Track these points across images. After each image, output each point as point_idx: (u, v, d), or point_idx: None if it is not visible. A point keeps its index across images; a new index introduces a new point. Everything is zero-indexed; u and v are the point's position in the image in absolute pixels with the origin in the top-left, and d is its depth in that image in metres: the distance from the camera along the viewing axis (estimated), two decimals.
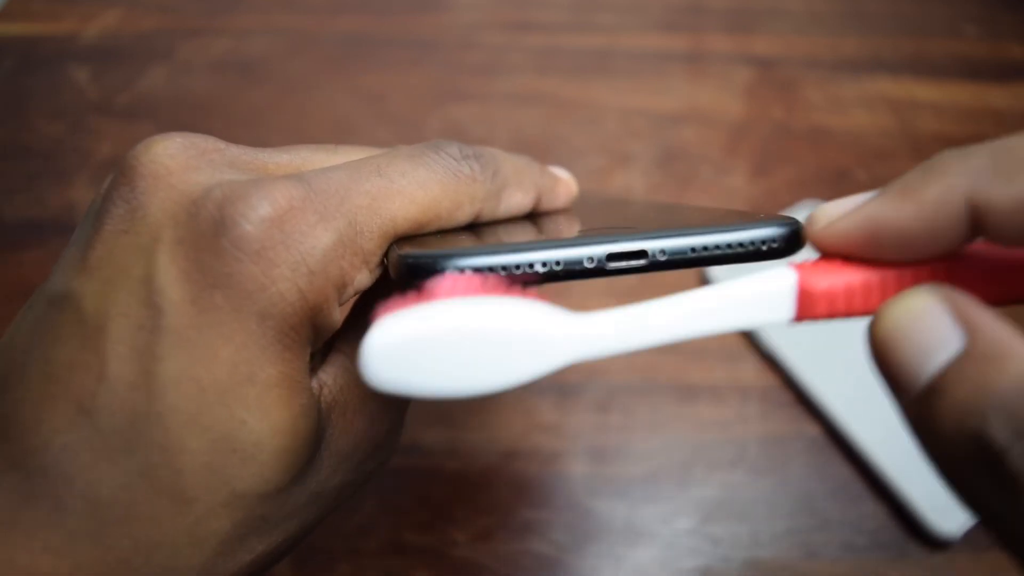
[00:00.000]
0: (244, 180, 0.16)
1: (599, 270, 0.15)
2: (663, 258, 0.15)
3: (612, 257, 0.15)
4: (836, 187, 0.42)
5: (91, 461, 0.15)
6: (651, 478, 0.33)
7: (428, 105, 0.46)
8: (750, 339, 0.37)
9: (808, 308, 0.15)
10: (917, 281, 0.15)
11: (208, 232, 0.15)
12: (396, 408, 0.20)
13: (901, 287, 0.15)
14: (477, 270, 0.15)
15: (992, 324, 0.13)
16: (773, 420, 0.35)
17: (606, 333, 0.14)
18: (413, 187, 0.17)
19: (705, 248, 0.15)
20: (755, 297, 0.15)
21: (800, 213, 0.40)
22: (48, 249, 0.40)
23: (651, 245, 0.15)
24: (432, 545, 0.32)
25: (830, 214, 0.15)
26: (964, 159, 0.13)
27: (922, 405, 0.13)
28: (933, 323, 0.14)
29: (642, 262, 0.15)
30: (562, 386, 0.36)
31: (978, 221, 0.13)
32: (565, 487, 0.33)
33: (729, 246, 0.16)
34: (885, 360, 0.14)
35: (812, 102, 0.46)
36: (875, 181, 0.42)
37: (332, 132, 0.45)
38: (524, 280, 0.15)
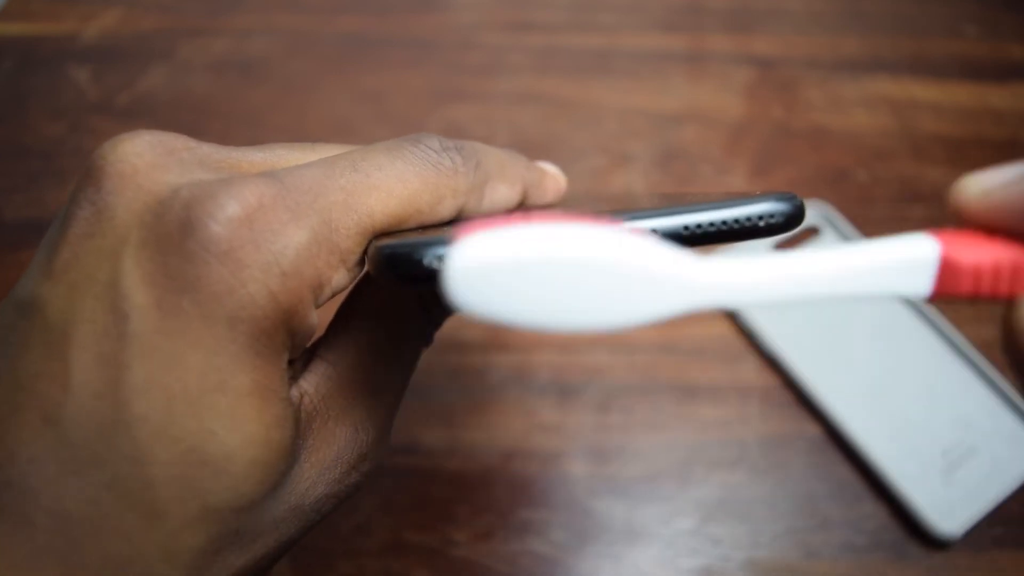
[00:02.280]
0: (213, 179, 0.15)
1: None
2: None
3: None
4: (836, 187, 0.42)
5: (57, 474, 0.14)
6: (651, 478, 0.33)
7: (428, 105, 0.46)
8: (750, 339, 0.37)
9: (950, 283, 0.14)
10: None
11: (175, 233, 0.14)
12: (383, 416, 0.19)
13: None
14: None
15: None
16: (773, 420, 0.35)
17: (731, 282, 0.13)
18: (391, 181, 0.16)
19: (699, 226, 0.14)
20: (893, 263, 0.14)
21: None
22: None
23: (642, 223, 0.14)
24: (432, 545, 0.32)
25: (986, 183, 0.14)
26: None
27: None
28: None
29: None
30: (562, 386, 0.36)
31: None
32: (565, 487, 0.33)
33: (724, 223, 0.14)
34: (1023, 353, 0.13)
35: (812, 102, 0.46)
36: (875, 181, 0.43)
37: (332, 132, 0.45)
38: None
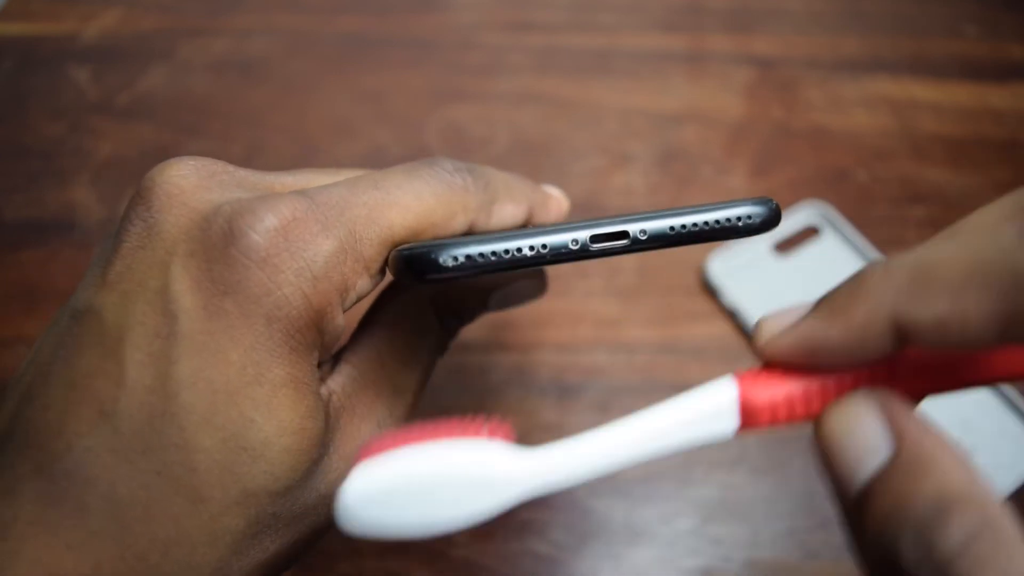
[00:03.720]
0: (252, 197, 0.17)
1: (584, 251, 0.16)
2: (643, 237, 0.16)
3: (595, 239, 0.16)
4: (836, 187, 0.42)
5: (112, 462, 0.16)
6: (651, 478, 0.33)
7: (428, 105, 0.46)
8: (750, 339, 0.37)
9: (751, 419, 0.15)
10: (857, 384, 0.15)
11: (218, 243, 0.16)
12: (403, 414, 0.21)
13: (840, 392, 0.15)
14: (469, 257, 0.16)
15: (919, 432, 0.14)
16: None
17: (555, 469, 0.15)
18: (408, 197, 0.18)
19: (683, 227, 0.16)
20: (698, 416, 0.15)
21: (800, 213, 0.40)
22: (48, 249, 0.40)
23: (632, 227, 0.16)
24: (432, 545, 0.32)
25: (770, 329, 0.16)
26: (887, 277, 0.14)
27: (854, 512, 0.14)
28: (865, 430, 0.14)
29: (624, 243, 0.16)
30: (562, 386, 0.36)
31: (904, 335, 0.14)
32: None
33: (707, 223, 0.16)
34: (826, 465, 0.15)
35: (812, 102, 0.46)
36: (875, 181, 0.43)
37: (332, 132, 0.45)
38: (514, 265, 0.16)
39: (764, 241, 0.39)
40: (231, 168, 0.18)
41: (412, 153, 0.44)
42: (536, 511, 0.32)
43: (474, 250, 0.16)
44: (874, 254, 0.39)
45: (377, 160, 0.43)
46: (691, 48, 0.49)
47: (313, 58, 0.48)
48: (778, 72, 0.48)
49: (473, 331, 0.37)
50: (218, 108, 0.45)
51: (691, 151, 0.44)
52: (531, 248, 0.16)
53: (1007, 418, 0.34)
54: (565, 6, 0.51)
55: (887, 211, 0.41)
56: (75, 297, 0.18)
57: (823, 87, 0.47)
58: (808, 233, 0.40)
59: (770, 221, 0.16)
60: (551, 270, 0.28)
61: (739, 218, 0.16)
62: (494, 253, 0.16)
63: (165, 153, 0.43)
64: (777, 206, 0.16)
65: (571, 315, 0.38)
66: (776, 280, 0.38)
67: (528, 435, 0.34)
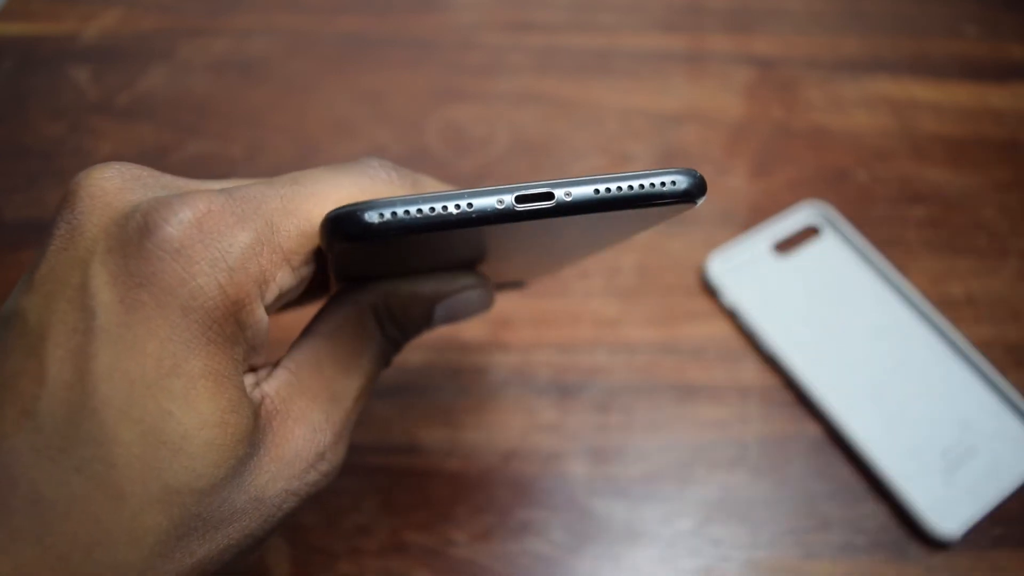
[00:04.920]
0: (170, 195, 0.17)
1: (510, 212, 0.16)
2: (568, 199, 0.16)
3: (520, 199, 0.16)
4: (836, 187, 0.42)
5: (34, 461, 0.16)
6: (651, 478, 0.33)
7: (428, 105, 0.46)
8: (750, 339, 0.37)
9: None
10: None
11: (135, 237, 0.16)
12: (340, 421, 0.20)
13: None
14: (395, 215, 0.16)
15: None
16: (773, 420, 0.35)
17: None
18: (327, 187, 0.19)
19: (608, 190, 0.16)
20: None
21: (800, 213, 0.40)
22: None
23: (557, 189, 0.16)
24: (432, 545, 0.32)
25: None
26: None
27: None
28: None
29: (550, 203, 0.16)
30: (562, 386, 0.36)
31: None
32: (565, 487, 0.33)
33: (631, 187, 0.16)
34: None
35: (812, 102, 0.46)
36: (875, 181, 0.43)
37: (332, 132, 0.45)
38: (441, 225, 0.16)
39: (764, 241, 0.39)
40: (156, 173, 0.19)
41: (412, 153, 0.44)
42: (536, 511, 0.32)
43: (400, 208, 0.16)
44: (874, 254, 0.39)
45: None
46: (691, 48, 0.49)
47: (313, 58, 0.48)
48: (778, 72, 0.48)
49: (473, 331, 0.37)
50: (218, 108, 0.45)
51: (691, 151, 0.44)
52: (456, 207, 0.16)
53: (1007, 418, 0.34)
54: (565, 6, 0.51)
55: (887, 211, 0.41)
56: (6, 304, 0.18)
57: (823, 87, 0.47)
58: (808, 233, 0.40)
59: (694, 190, 0.17)
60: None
61: (663, 183, 0.16)
62: (419, 211, 0.16)
63: (165, 153, 0.43)
64: (702, 177, 0.17)
65: (571, 315, 0.38)
66: (776, 280, 0.38)
67: (528, 435, 0.34)
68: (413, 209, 0.16)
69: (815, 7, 0.51)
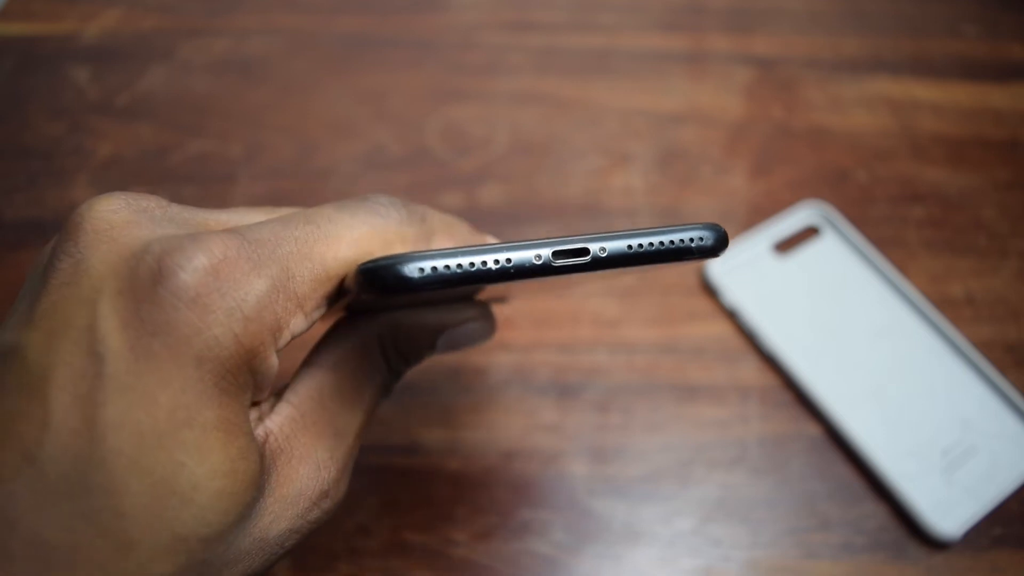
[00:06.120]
0: (183, 234, 0.16)
1: (547, 267, 0.16)
2: (603, 255, 0.17)
3: (557, 255, 0.16)
4: (836, 187, 0.42)
5: (35, 506, 0.15)
6: (651, 478, 0.33)
7: (428, 105, 0.46)
8: (750, 339, 0.37)
9: None
10: None
11: (147, 282, 0.16)
12: (344, 457, 0.20)
13: None
14: (435, 269, 0.16)
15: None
16: (773, 420, 0.35)
17: None
18: (340, 229, 0.18)
19: (640, 245, 0.17)
20: None
21: (800, 213, 0.40)
22: None
23: (592, 244, 0.17)
24: (432, 545, 0.32)
25: None
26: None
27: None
28: None
29: (586, 259, 0.17)
30: (562, 386, 0.36)
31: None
32: (565, 487, 0.33)
33: (662, 244, 0.17)
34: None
35: (812, 102, 0.46)
36: (875, 181, 0.43)
37: (332, 132, 0.45)
38: (479, 279, 0.16)
39: (764, 241, 0.39)
40: (164, 203, 0.18)
41: (412, 153, 0.44)
42: (536, 511, 0.32)
43: (440, 262, 0.16)
44: (874, 254, 0.39)
45: (377, 160, 0.43)
46: (691, 48, 0.49)
47: (313, 58, 0.48)
48: (778, 72, 0.48)
49: None
50: (218, 108, 0.45)
51: (691, 151, 0.44)
52: (496, 262, 0.16)
53: (1007, 418, 0.34)
54: (565, 6, 0.51)
55: (887, 211, 0.41)
56: (1, 334, 0.17)
57: (823, 87, 0.47)
58: (808, 233, 0.40)
59: (720, 245, 0.18)
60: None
61: (691, 239, 0.17)
62: (459, 265, 0.16)
63: (165, 153, 0.43)
64: (725, 232, 0.18)
65: (571, 315, 0.38)
66: (776, 280, 0.38)
67: (528, 435, 0.34)
68: (453, 264, 0.16)
69: (815, 7, 0.51)
